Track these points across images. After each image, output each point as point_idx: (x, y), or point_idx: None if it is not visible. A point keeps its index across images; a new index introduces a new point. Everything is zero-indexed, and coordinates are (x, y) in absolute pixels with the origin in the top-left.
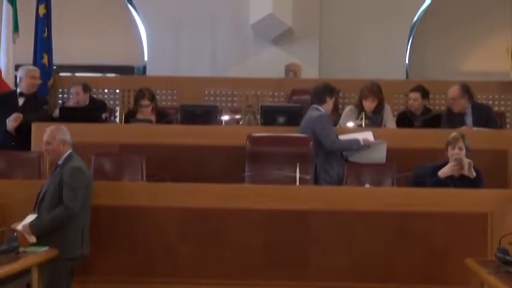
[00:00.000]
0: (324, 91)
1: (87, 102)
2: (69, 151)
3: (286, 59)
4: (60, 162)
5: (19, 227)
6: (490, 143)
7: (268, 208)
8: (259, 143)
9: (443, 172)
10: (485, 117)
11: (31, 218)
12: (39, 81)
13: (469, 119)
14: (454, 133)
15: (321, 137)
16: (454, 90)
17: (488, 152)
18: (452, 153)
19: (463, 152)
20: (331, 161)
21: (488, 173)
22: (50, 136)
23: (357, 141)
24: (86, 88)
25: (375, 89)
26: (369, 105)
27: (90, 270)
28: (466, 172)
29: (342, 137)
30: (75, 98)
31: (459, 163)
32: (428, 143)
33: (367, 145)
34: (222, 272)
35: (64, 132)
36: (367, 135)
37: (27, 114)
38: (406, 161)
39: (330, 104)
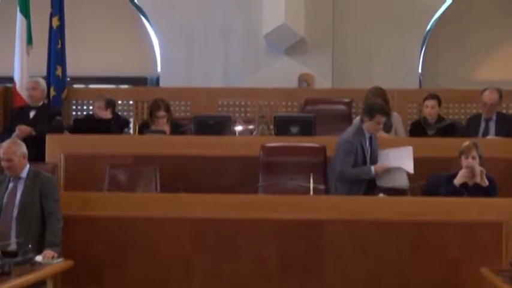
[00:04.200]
0: (364, 111)
1: (108, 117)
2: (28, 163)
3: (299, 69)
4: (23, 175)
5: (40, 259)
6: (506, 152)
7: (282, 218)
8: (272, 153)
9: (456, 179)
10: (508, 127)
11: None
12: (37, 92)
13: (492, 126)
14: (467, 142)
15: (334, 161)
16: (494, 96)
17: (504, 161)
18: (466, 162)
19: (477, 161)
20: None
21: (504, 182)
22: (9, 153)
23: (368, 171)
24: (109, 104)
25: (378, 92)
26: None
27: (105, 281)
28: (478, 180)
29: (383, 152)
30: (97, 111)
31: (471, 170)
32: (442, 152)
33: (381, 172)
34: (236, 282)
35: (21, 145)
36: (407, 151)
37: (38, 126)
38: (420, 170)
39: (367, 124)
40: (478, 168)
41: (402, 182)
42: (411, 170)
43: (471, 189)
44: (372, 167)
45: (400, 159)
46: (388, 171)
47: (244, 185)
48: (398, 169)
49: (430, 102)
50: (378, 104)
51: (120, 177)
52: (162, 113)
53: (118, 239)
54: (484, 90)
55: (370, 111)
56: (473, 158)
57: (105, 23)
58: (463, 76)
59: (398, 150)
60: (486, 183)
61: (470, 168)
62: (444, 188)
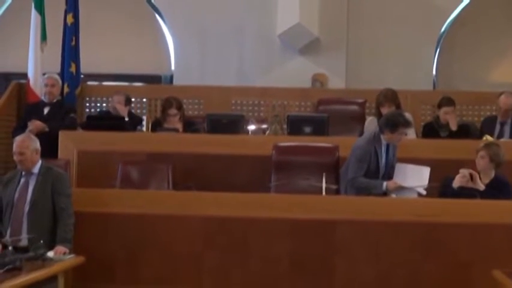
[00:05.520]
0: (385, 124)
1: (125, 114)
2: (40, 159)
3: (312, 69)
4: (35, 170)
5: (52, 254)
6: None
7: (294, 218)
8: (285, 152)
9: (454, 182)
10: None
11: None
12: (56, 88)
13: (507, 129)
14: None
15: (348, 165)
16: (510, 100)
17: None
18: (476, 161)
19: (485, 160)
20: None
21: None
22: (22, 146)
23: (380, 185)
24: (128, 101)
25: (390, 95)
26: (387, 111)
27: (116, 277)
28: (470, 185)
29: (400, 166)
30: (116, 105)
31: (464, 175)
32: (456, 153)
33: (393, 190)
34: (247, 281)
35: (35, 140)
36: (425, 172)
37: (52, 123)
38: (433, 172)
39: (387, 135)
40: (466, 172)
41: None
42: (423, 191)
43: (483, 192)
44: (385, 183)
45: (415, 178)
46: (400, 189)
47: (257, 184)
48: (411, 189)
49: (449, 109)
50: (401, 118)
51: (133, 174)
52: (174, 111)
53: (130, 236)
54: (501, 94)
55: (393, 126)
56: (482, 157)
57: (120, 20)
58: (477, 78)
59: (415, 169)
60: (482, 187)
61: (462, 173)
62: (453, 190)
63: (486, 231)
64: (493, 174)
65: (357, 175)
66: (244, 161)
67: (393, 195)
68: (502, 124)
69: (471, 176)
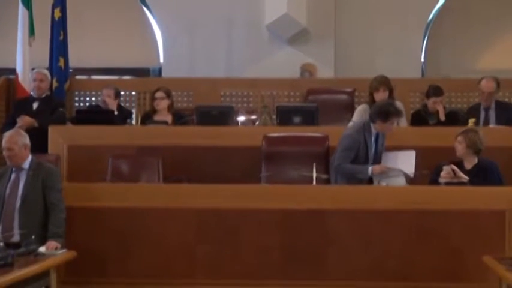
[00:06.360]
0: (377, 114)
1: (114, 107)
2: (30, 154)
3: (301, 59)
4: (25, 166)
5: (44, 249)
6: (509, 141)
7: (285, 208)
8: (275, 143)
9: (440, 179)
10: (508, 115)
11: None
12: (44, 83)
13: (492, 115)
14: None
15: (336, 152)
16: (491, 84)
17: (507, 149)
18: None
19: (462, 146)
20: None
21: (507, 170)
22: (11, 142)
23: (365, 170)
24: (118, 94)
25: (383, 79)
26: (381, 96)
27: (108, 271)
28: (456, 180)
29: (386, 154)
30: (106, 98)
31: (448, 172)
32: (444, 141)
33: (379, 173)
34: (239, 272)
35: (24, 136)
36: (410, 155)
37: (41, 118)
38: (422, 160)
39: (380, 126)
40: (449, 169)
41: (400, 184)
42: (411, 173)
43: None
44: (370, 168)
45: (402, 162)
46: (387, 173)
47: (247, 175)
48: (397, 171)
49: (438, 99)
50: (393, 108)
51: (123, 168)
52: (160, 93)
53: (121, 230)
54: (481, 79)
55: (386, 116)
56: (459, 143)
57: (108, 13)
58: (466, 65)
59: (401, 153)
60: (466, 179)
61: (446, 170)
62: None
63: (476, 218)
64: (476, 160)
65: (343, 162)
66: (234, 153)
67: (383, 183)
68: (486, 110)
69: (453, 171)
